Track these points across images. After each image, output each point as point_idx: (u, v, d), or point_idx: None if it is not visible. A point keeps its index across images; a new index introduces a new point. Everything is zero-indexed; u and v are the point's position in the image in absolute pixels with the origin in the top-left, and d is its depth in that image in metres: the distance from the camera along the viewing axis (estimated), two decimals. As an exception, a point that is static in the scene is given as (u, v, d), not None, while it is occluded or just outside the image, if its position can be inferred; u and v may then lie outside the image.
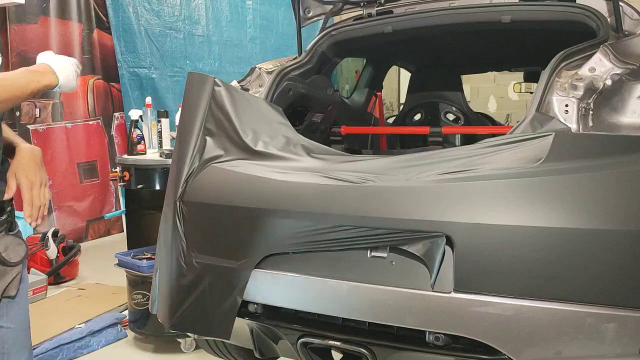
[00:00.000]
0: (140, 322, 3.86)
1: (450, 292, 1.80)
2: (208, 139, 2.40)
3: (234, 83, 2.72)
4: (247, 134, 2.38)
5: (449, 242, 1.80)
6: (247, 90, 2.70)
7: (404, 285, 1.87)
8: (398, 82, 9.50)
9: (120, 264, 3.99)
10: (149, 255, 3.98)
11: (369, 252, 1.95)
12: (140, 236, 4.45)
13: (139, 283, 3.82)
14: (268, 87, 2.63)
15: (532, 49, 3.47)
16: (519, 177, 1.79)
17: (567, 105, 1.98)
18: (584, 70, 2.03)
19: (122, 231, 6.10)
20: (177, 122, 4.18)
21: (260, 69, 2.78)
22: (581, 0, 2.61)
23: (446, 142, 3.25)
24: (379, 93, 4.15)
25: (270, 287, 2.10)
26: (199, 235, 2.27)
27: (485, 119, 4.16)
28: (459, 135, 3.73)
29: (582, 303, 1.66)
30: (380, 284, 1.90)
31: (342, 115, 3.48)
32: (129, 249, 4.36)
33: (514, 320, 1.70)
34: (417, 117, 4.12)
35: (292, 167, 2.17)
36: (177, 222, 2.33)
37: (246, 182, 2.20)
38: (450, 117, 4.08)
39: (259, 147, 2.31)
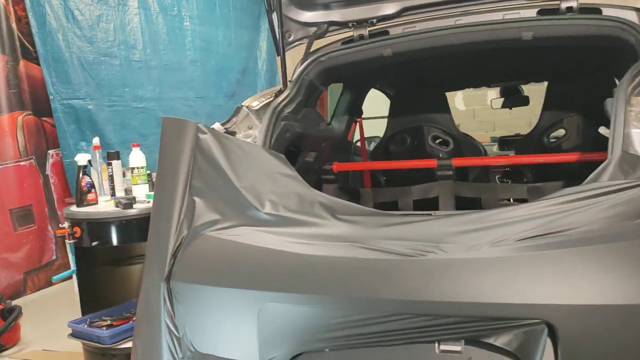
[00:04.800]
0: (105, 401, 3.29)
1: (557, 398, 1.39)
2: (197, 199, 1.91)
3: (217, 126, 2.23)
4: (249, 192, 1.90)
5: (551, 331, 1.39)
6: (233, 134, 2.22)
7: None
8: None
9: (76, 334, 3.40)
10: (109, 322, 3.42)
11: (437, 346, 1.51)
12: (95, 297, 3.84)
13: (100, 356, 3.25)
14: (265, 130, 2.16)
15: (547, 63, 3.16)
16: (632, 238, 1.40)
17: None
18: (661, 95, 1.69)
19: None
20: (131, 163, 3.67)
21: (247, 107, 2.30)
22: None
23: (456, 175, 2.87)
24: (359, 119, 3.74)
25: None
26: (199, 328, 1.77)
27: (474, 141, 3.82)
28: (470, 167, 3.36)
29: None
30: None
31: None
32: (83, 314, 3.74)
33: None
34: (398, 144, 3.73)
35: (317, 235, 1.71)
36: (165, 310, 1.81)
37: (258, 258, 1.72)
38: (438, 141, 3.71)
39: (268, 209, 1.84)
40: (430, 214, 1.78)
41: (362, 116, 3.73)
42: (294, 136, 2.36)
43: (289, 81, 2.58)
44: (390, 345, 1.53)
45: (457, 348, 1.49)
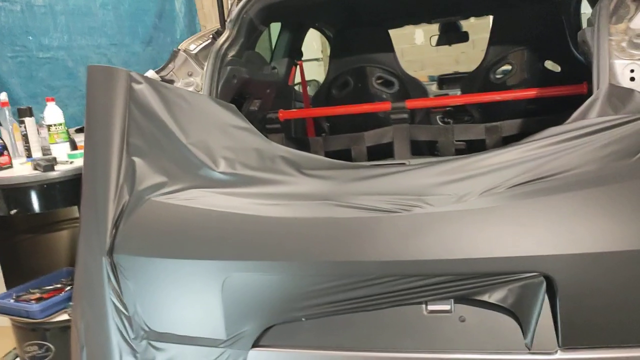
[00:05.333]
0: (39, 378, 3.05)
1: (555, 352, 1.30)
2: (137, 160, 1.66)
3: (151, 74, 1.95)
4: (198, 149, 1.66)
5: (549, 284, 1.29)
6: (171, 82, 1.95)
7: (487, 350, 1.34)
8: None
9: (2, 311, 3.10)
10: (37, 294, 3.14)
11: (424, 307, 1.39)
12: (19, 269, 3.50)
13: (31, 331, 2.99)
14: (209, 76, 1.90)
15: None
16: (630, 178, 1.31)
17: (632, 71, 1.52)
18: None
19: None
20: (47, 120, 3.28)
21: (185, 51, 2.02)
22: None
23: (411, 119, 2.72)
24: (299, 62, 3.50)
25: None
26: (153, 305, 1.56)
27: (418, 82, 3.68)
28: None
29: None
30: (450, 352, 1.36)
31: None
32: (7, 287, 3.42)
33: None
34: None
35: (283, 194, 1.52)
36: (110, 287, 1.59)
37: (217, 223, 1.51)
38: (382, 82, 3.54)
39: (222, 168, 1.62)
40: (404, 163, 1.62)
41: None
42: (240, 83, 2.12)
43: (227, 21, 2.30)
44: (375, 309, 1.39)
45: (447, 308, 1.37)
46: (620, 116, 1.40)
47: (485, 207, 1.34)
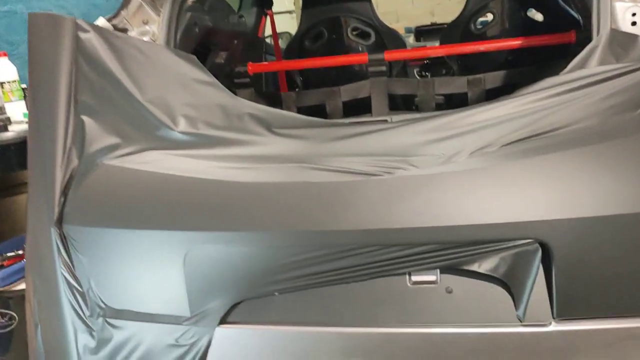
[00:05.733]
0: (3, 347, 2.93)
1: (549, 324, 1.20)
2: (87, 119, 1.48)
3: (101, 21, 1.74)
4: (156, 107, 1.49)
5: (545, 252, 1.18)
6: (125, 31, 1.74)
7: (476, 322, 1.23)
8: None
9: (-39, 278, 2.94)
10: None
11: (408, 278, 1.27)
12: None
13: (-8, 298, 2.86)
14: (166, 24, 1.70)
15: None
16: (624, 135, 1.19)
17: (634, 14, 1.39)
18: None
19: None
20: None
21: (138, -5, 1.81)
22: None
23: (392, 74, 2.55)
24: (269, 11, 3.28)
25: (246, 350, 1.35)
26: (109, 280, 1.42)
27: (395, 33, 3.49)
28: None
29: None
30: (436, 325, 1.25)
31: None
32: (-36, 251, 3.24)
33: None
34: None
35: (252, 156, 1.36)
36: (60, 261, 1.43)
37: (178, 189, 1.36)
38: (358, 33, 3.35)
39: (183, 127, 1.45)
40: (386, 120, 1.47)
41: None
42: (203, 32, 1.92)
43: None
44: (354, 282, 1.27)
45: (432, 278, 1.25)
46: (623, 65, 1.27)
47: (475, 169, 1.20)
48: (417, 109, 2.46)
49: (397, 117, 1.52)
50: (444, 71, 3.37)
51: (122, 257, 1.39)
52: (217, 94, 1.54)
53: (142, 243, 1.36)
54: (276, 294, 1.31)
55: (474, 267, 1.21)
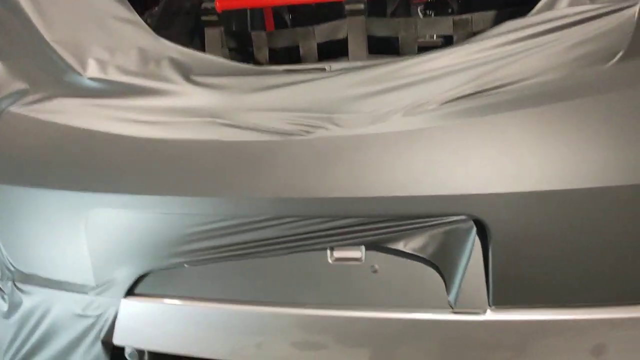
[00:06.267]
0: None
1: (484, 312, 1.04)
2: (-6, 62, 1.31)
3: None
4: (65, 48, 1.31)
5: (481, 230, 1.00)
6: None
7: (403, 307, 1.08)
8: None
9: None
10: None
11: (329, 254, 1.11)
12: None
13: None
14: None
15: None
16: (591, 92, 0.99)
17: None
18: None
19: None
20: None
21: None
22: None
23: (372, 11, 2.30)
24: None
25: (154, 325, 1.22)
26: (16, 242, 1.30)
27: None
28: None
29: None
30: (359, 308, 1.10)
31: None
32: None
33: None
34: None
35: (162, 108, 1.19)
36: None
37: (78, 144, 1.20)
38: None
39: (92, 72, 1.27)
40: (324, 69, 1.28)
41: None
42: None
43: None
44: (269, 256, 1.11)
45: (356, 255, 1.09)
46: (598, 5, 1.04)
47: (404, 131, 1.01)
48: (398, 52, 2.24)
49: (338, 65, 1.32)
50: (450, 10, 3.09)
51: (27, 217, 1.26)
52: (138, 35, 1.35)
53: (44, 203, 1.22)
54: (185, 266, 1.17)
55: (400, 246, 1.04)
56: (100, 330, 1.24)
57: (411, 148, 1.01)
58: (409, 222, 1.02)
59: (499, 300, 1.03)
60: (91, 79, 1.26)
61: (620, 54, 1.01)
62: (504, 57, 1.04)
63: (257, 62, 2.37)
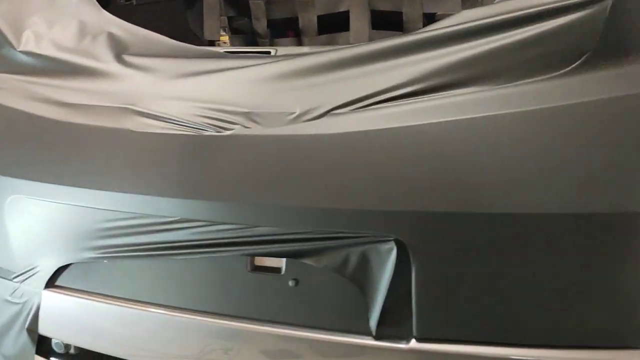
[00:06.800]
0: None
1: (408, 343, 0.93)
2: None
3: None
4: (5, 18, 1.23)
5: (402, 252, 0.88)
6: None
7: (322, 328, 0.97)
8: None
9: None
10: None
11: (248, 263, 1.01)
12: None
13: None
14: None
15: None
16: (541, 102, 0.84)
17: None
18: None
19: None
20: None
21: None
22: None
23: None
24: None
25: (73, 319, 1.17)
26: None
27: None
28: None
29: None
30: (275, 324, 1.00)
31: None
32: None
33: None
34: None
35: (88, 90, 1.09)
36: None
37: (5, 125, 1.13)
38: None
39: (25, 46, 1.19)
40: (269, 52, 1.16)
41: None
42: None
43: None
44: (183, 259, 1.02)
45: (276, 265, 0.99)
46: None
47: (323, 135, 0.89)
48: (403, 29, 2.07)
49: (285, 50, 1.19)
50: None
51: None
52: (81, 6, 1.25)
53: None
54: (105, 261, 1.09)
55: (320, 262, 0.93)
56: (26, 318, 1.19)
57: (316, 156, 0.90)
58: (326, 236, 0.91)
59: (424, 331, 0.91)
60: (23, 52, 1.18)
61: (585, 56, 0.85)
62: (451, 54, 0.90)
63: (256, 33, 2.26)
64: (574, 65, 0.84)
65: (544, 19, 0.86)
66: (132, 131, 1.00)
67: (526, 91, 0.85)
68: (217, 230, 0.97)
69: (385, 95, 0.89)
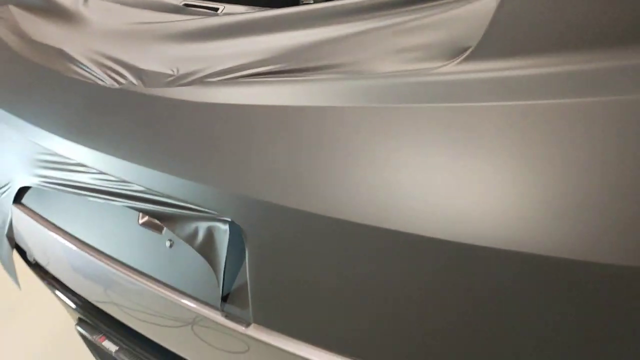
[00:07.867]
0: None
1: (247, 327, 0.90)
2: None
3: None
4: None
5: (238, 234, 0.84)
6: None
7: (185, 294, 0.98)
8: None
9: None
10: None
11: (139, 216, 1.04)
12: None
13: None
14: None
15: None
16: (414, 98, 0.72)
17: None
18: None
19: None
20: None
21: None
22: None
23: None
24: None
25: (29, 236, 1.30)
26: None
27: None
28: None
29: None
30: (152, 280, 1.03)
31: None
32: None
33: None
34: None
35: (55, 27, 1.17)
36: None
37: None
38: None
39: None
40: (216, 9, 1.13)
41: None
42: None
43: None
44: (88, 199, 1.08)
45: (158, 224, 1.01)
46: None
47: (182, 100, 0.86)
48: None
49: (239, 9, 1.13)
50: None
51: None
52: None
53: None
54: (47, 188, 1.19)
55: (177, 229, 0.93)
56: (4, 226, 1.35)
57: (170, 121, 0.87)
58: (178, 204, 0.90)
59: (259, 318, 0.87)
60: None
61: (469, 51, 0.71)
62: (333, 39, 0.80)
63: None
64: (453, 62, 0.71)
65: (424, 5, 0.73)
66: (59, 73, 1.06)
67: (395, 84, 0.74)
68: (106, 180, 1.00)
69: (250, 70, 0.84)
